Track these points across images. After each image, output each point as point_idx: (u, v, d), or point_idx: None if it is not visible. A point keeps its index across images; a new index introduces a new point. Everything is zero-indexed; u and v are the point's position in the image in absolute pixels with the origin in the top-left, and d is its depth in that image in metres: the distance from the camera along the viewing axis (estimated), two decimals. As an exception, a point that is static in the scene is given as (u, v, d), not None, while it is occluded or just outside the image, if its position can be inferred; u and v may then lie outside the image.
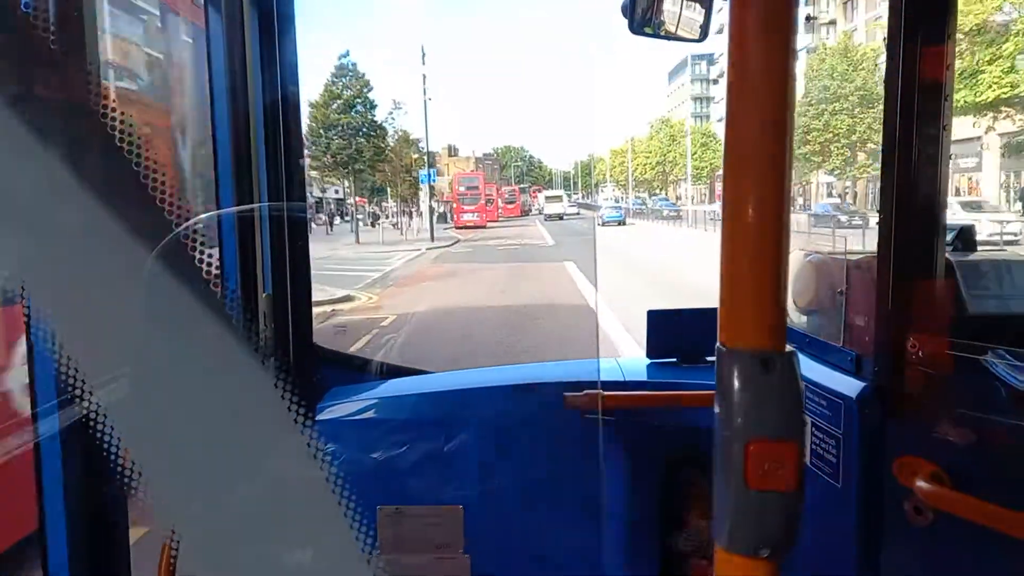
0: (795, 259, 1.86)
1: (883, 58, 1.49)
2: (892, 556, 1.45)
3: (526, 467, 2.01)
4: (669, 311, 2.15)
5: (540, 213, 60.28)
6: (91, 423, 0.74)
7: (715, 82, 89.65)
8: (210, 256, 0.78)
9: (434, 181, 40.32)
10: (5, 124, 0.74)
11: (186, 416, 0.77)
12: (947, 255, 1.52)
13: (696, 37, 1.78)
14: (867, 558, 1.48)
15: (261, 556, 0.79)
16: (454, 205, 49.98)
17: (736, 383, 0.65)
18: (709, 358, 2.09)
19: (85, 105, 0.85)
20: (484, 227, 45.88)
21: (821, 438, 1.57)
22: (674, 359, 2.14)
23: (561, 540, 2.01)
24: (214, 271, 0.78)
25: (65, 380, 0.73)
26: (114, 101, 0.79)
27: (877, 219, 1.50)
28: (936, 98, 1.44)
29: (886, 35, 1.47)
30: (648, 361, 2.14)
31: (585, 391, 1.94)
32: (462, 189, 48.24)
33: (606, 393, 1.94)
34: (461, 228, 44.74)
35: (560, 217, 55.70)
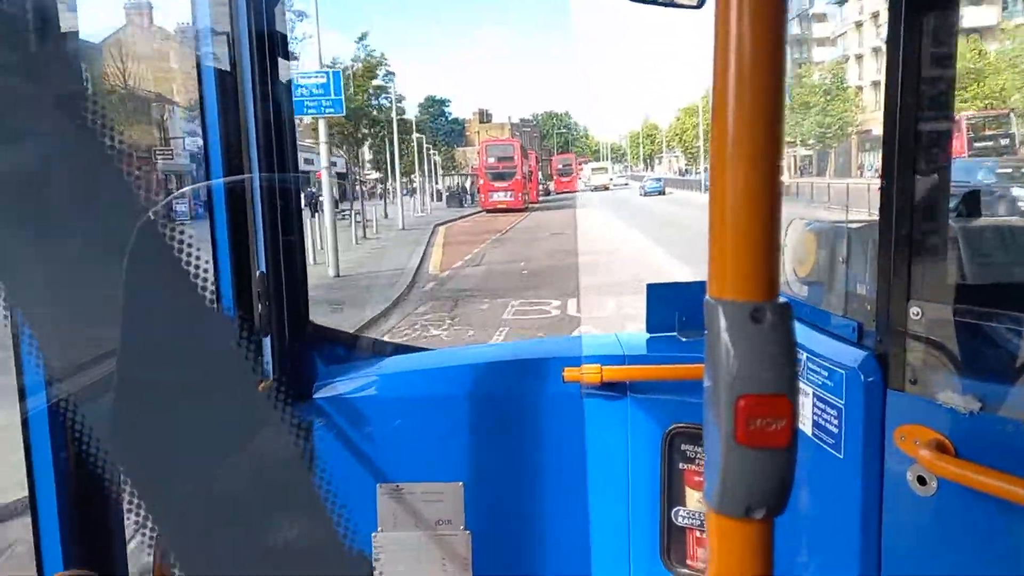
0: (796, 228, 1.83)
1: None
2: (895, 525, 1.43)
3: (526, 442, 2.01)
4: (669, 284, 2.12)
5: (587, 186, 59.39)
6: (82, 409, 0.74)
7: (822, 18, 59.66)
8: (198, 234, 0.77)
9: (341, 112, 18.78)
10: None
11: (180, 399, 0.77)
12: (950, 222, 1.48)
13: (694, 4, 1.73)
14: (870, 528, 1.46)
15: (259, 537, 0.79)
16: (481, 181, 38.38)
17: (725, 335, 0.61)
18: None
19: (60, 83, 0.84)
20: (523, 211, 33.99)
21: (823, 408, 1.55)
22: (673, 333, 2.11)
23: (562, 514, 2.02)
24: (205, 249, 0.76)
25: (53, 367, 0.72)
26: (89, 80, 0.78)
27: (879, 186, 1.47)
28: (942, 62, 1.40)
29: None
30: (648, 335, 2.12)
31: (584, 365, 1.93)
32: (491, 160, 36.75)
33: (605, 367, 1.93)
34: (491, 212, 34.48)
35: (606, 187, 57.92)
